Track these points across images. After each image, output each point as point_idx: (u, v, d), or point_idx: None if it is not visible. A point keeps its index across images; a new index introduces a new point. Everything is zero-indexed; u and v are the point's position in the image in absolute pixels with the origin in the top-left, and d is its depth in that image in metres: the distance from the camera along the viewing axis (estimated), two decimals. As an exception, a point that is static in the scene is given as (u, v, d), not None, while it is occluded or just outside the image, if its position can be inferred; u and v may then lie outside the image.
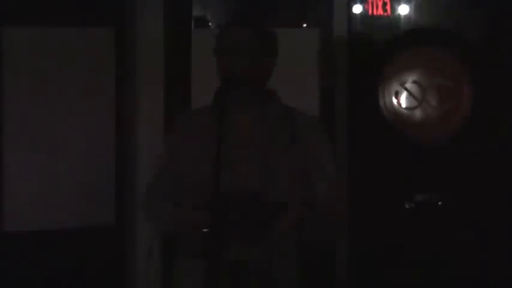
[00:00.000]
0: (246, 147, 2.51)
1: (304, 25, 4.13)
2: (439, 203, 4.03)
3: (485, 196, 4.00)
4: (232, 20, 2.66)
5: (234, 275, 2.42)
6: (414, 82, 4.08)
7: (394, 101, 4.09)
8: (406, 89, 4.08)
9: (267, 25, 2.64)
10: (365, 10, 4.10)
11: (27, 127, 3.80)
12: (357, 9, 4.09)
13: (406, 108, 4.09)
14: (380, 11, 4.09)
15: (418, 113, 4.09)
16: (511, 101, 4.04)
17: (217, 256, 2.20)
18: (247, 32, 2.53)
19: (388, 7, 4.10)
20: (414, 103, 4.08)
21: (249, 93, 2.54)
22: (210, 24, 4.11)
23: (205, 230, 2.29)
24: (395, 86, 4.09)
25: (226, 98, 2.40)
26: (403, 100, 4.09)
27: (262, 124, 2.55)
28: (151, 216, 2.72)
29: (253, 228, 2.38)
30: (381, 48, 4.09)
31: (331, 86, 4.01)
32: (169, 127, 3.75)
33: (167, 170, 2.66)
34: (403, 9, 4.11)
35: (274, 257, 2.47)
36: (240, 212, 2.37)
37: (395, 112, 4.10)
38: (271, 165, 2.49)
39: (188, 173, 2.55)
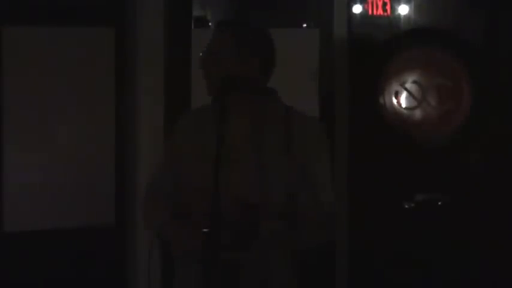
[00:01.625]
0: (244, 148, 2.51)
1: (304, 25, 4.13)
2: (439, 203, 4.03)
3: (485, 196, 4.00)
4: (219, 21, 2.66)
5: (232, 275, 2.42)
6: (414, 82, 4.08)
7: (394, 101, 4.09)
8: (406, 89, 4.08)
9: (256, 25, 2.61)
10: (365, 10, 4.10)
11: (27, 127, 3.80)
12: (357, 9, 4.09)
13: (406, 108, 4.09)
14: (380, 11, 4.09)
15: (418, 113, 4.09)
16: (511, 101, 4.04)
17: (215, 256, 2.20)
18: (228, 34, 2.53)
19: (388, 7, 4.10)
20: (414, 103, 4.08)
21: (248, 94, 2.53)
22: (210, 24, 4.11)
23: (204, 230, 2.29)
24: (395, 86, 4.09)
25: (225, 98, 2.40)
26: (403, 100, 4.09)
27: (257, 125, 2.54)
28: (147, 218, 2.71)
29: (244, 234, 2.37)
30: (381, 48, 4.08)
31: (331, 86, 4.01)
32: (169, 127, 3.76)
33: (167, 170, 2.66)
34: (403, 9, 4.11)
35: (273, 257, 2.47)
36: (232, 216, 2.35)
37: (396, 112, 4.10)
38: (266, 167, 2.48)
39: (187, 173, 2.55)
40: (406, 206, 4.03)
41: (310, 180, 2.52)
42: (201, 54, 2.57)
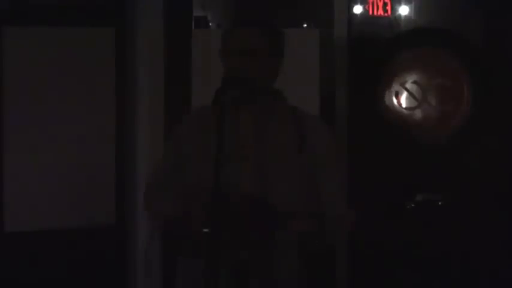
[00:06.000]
0: (249, 147, 2.51)
1: (304, 25, 4.13)
2: (439, 203, 4.03)
3: (485, 196, 4.00)
4: (240, 19, 2.66)
5: (234, 274, 2.42)
6: (414, 82, 4.08)
7: (394, 101, 4.09)
8: (406, 89, 4.08)
9: (275, 25, 2.64)
10: (365, 10, 4.10)
11: (27, 127, 3.80)
12: (358, 9, 4.09)
13: (406, 108, 4.09)
14: (380, 12, 4.09)
15: (418, 113, 4.09)
16: (511, 101, 4.04)
17: (217, 256, 2.20)
18: (256, 32, 2.53)
19: (388, 7, 4.10)
20: (414, 103, 4.08)
21: (253, 93, 2.53)
22: (210, 24, 4.11)
23: (205, 230, 2.29)
24: (395, 86, 4.09)
25: (226, 97, 2.40)
26: (403, 100, 4.09)
27: (266, 124, 2.54)
28: (151, 209, 2.71)
29: (252, 232, 2.38)
30: (381, 49, 4.09)
31: (331, 86, 4.01)
32: (169, 127, 3.77)
33: (167, 169, 2.66)
34: (404, 10, 4.11)
35: (275, 257, 2.47)
36: (239, 215, 2.36)
37: (396, 112, 4.10)
38: (275, 166, 2.49)
39: (189, 173, 2.55)
40: (406, 206, 4.03)
41: (323, 180, 2.53)
42: (222, 51, 2.55)
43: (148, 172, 3.67)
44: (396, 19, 4.11)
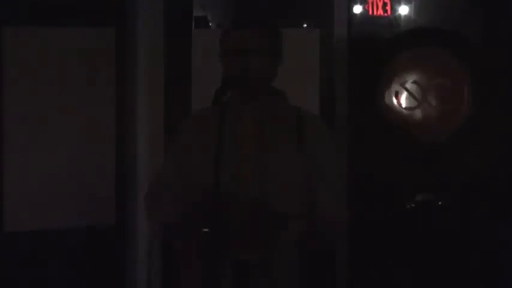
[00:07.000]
0: (249, 147, 2.51)
1: (304, 25, 4.14)
2: (439, 203, 4.03)
3: (485, 196, 4.00)
4: (240, 20, 2.66)
5: (234, 274, 2.42)
6: (414, 82, 4.08)
7: (394, 101, 4.09)
8: (406, 89, 4.09)
9: (274, 25, 2.64)
10: (365, 10, 4.10)
11: (27, 127, 3.80)
12: (357, 9, 4.09)
13: (406, 108, 4.09)
14: (380, 12, 4.10)
15: (418, 113, 4.09)
16: (511, 101, 4.04)
17: (217, 256, 2.20)
18: (254, 33, 2.53)
19: (388, 7, 4.10)
20: (414, 103, 4.08)
21: (253, 93, 2.54)
22: (210, 24, 4.11)
23: (205, 230, 2.29)
24: (396, 86, 4.09)
25: (226, 97, 2.40)
26: (403, 100, 4.09)
27: (266, 124, 2.54)
28: (151, 210, 2.71)
29: (252, 233, 2.38)
30: (381, 49, 4.09)
31: (331, 86, 4.01)
32: (169, 127, 3.77)
33: (169, 170, 2.66)
34: (403, 10, 4.11)
35: (275, 257, 2.47)
36: (239, 215, 2.36)
37: (396, 112, 4.10)
38: (275, 166, 2.49)
39: (190, 174, 2.55)
40: (407, 206, 4.03)
41: (323, 181, 2.53)
42: (222, 51, 2.55)
43: (150, 172, 3.67)
44: (396, 19, 4.12)
